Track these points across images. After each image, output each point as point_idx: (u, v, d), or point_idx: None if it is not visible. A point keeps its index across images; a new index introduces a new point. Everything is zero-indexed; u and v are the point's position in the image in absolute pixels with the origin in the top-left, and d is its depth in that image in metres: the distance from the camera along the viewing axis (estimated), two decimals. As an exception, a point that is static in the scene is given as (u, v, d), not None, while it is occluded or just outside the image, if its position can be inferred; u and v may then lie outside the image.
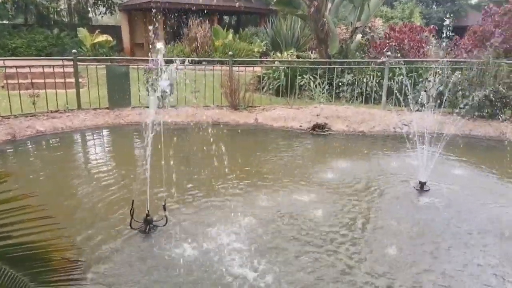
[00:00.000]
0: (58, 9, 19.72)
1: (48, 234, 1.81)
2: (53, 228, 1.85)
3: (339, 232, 3.76)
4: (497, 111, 7.65)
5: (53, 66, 8.13)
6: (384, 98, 8.76)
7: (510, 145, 6.80)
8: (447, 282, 3.06)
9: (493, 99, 7.57)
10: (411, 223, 3.98)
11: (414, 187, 4.89)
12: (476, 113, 7.63)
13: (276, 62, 10.79)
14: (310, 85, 9.46)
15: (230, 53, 9.19)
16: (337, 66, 9.48)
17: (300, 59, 11.95)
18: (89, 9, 21.73)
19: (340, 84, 9.43)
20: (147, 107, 3.61)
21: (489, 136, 7.43)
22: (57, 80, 7.90)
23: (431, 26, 11.50)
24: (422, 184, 4.83)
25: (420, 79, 8.77)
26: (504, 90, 7.60)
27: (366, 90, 9.04)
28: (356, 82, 9.04)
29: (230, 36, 15.68)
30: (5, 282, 1.75)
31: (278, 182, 4.98)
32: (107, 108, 8.21)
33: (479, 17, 11.44)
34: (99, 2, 21.14)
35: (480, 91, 7.64)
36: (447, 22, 8.20)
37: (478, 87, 7.79)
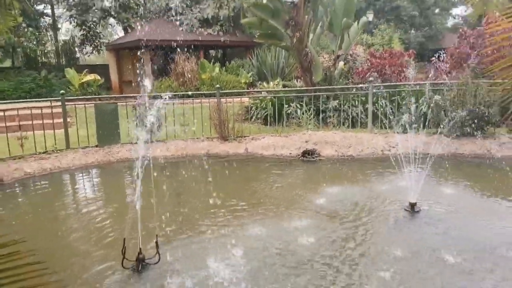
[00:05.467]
0: (46, 51, 20.02)
1: (38, 280, 1.77)
2: (43, 274, 1.79)
3: (334, 256, 3.78)
4: (480, 128, 7.76)
5: (41, 107, 8.16)
6: (370, 122, 8.86)
7: (495, 161, 6.88)
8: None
9: (475, 117, 7.71)
10: (402, 244, 4.03)
11: (405, 209, 4.91)
12: (459, 132, 7.73)
13: (263, 92, 10.87)
14: (297, 113, 9.55)
15: (217, 85, 9.36)
16: (322, 93, 9.56)
17: (286, 88, 12.02)
18: (76, 49, 22.09)
19: (326, 110, 9.52)
20: (137, 143, 3.65)
21: (474, 154, 7.52)
22: (45, 121, 7.91)
23: (410, 51, 11.82)
24: (413, 205, 4.86)
25: (404, 102, 8.92)
26: (484, 108, 7.77)
27: (352, 115, 9.12)
28: (342, 108, 9.14)
29: (217, 69, 15.90)
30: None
31: (272, 211, 4.96)
32: (97, 146, 8.17)
33: (455, 39, 11.79)
34: (85, 42, 21.52)
35: (462, 110, 7.77)
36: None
37: (460, 106, 7.95)
